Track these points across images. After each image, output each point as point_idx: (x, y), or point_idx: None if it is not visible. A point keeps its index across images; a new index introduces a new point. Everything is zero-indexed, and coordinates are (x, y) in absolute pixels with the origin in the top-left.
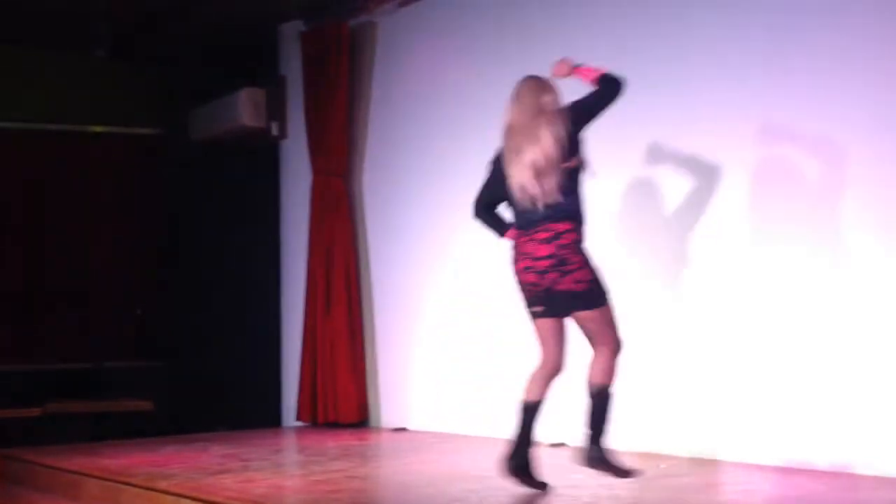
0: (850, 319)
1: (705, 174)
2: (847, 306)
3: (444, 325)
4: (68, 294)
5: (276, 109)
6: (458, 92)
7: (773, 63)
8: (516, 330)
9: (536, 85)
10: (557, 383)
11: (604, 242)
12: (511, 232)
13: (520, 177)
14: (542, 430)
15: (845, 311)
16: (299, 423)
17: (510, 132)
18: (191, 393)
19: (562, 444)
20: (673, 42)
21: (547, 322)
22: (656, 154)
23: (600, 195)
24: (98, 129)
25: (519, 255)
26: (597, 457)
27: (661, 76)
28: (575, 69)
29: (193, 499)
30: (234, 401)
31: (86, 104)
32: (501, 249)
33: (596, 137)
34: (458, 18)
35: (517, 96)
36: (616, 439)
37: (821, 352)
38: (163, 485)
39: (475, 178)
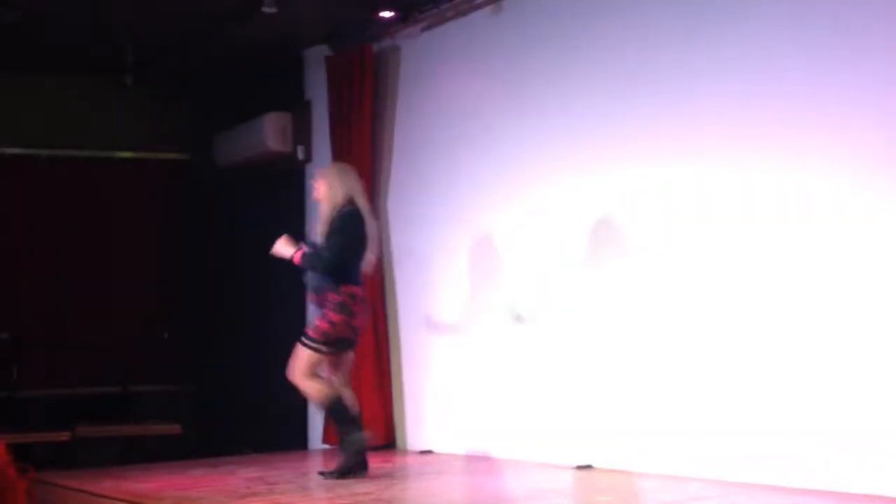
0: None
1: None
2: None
3: (471, 348)
4: (96, 319)
5: (302, 133)
6: (480, 115)
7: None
8: (544, 353)
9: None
10: (580, 406)
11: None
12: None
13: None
14: (568, 453)
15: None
16: (325, 446)
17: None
18: (218, 416)
19: (588, 467)
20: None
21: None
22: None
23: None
24: (125, 154)
25: (364, 305)
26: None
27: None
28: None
29: None
30: (261, 424)
31: (112, 130)
32: (529, 271)
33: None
34: (480, 42)
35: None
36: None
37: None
38: None
39: (498, 200)
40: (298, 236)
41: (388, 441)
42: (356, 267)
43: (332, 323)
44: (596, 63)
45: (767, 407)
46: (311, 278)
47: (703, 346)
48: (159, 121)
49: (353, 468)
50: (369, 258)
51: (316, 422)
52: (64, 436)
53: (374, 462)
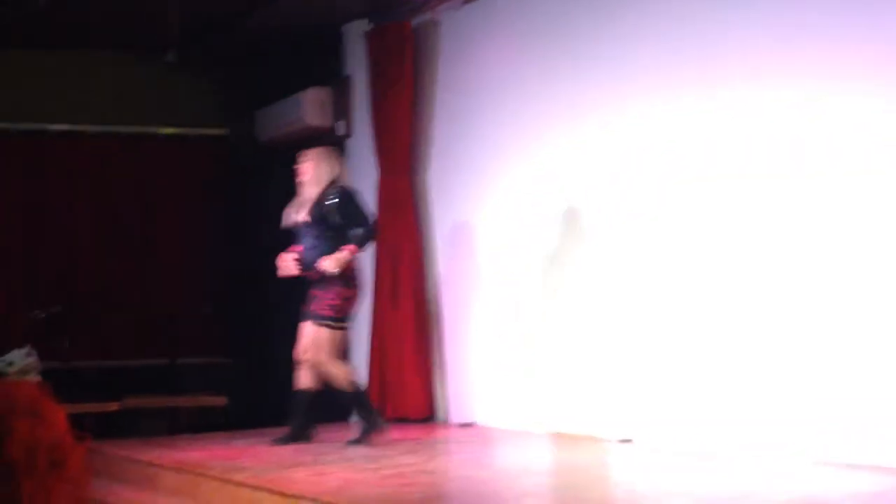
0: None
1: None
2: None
3: (512, 321)
4: (143, 292)
5: (342, 109)
6: (521, 88)
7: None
8: (584, 326)
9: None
10: (621, 380)
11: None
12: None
13: None
14: (609, 427)
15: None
16: None
17: None
18: (262, 388)
19: (629, 441)
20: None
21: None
22: None
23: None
24: (167, 130)
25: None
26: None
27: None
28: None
29: (269, 491)
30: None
31: (155, 106)
32: (572, 242)
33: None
34: (521, 14)
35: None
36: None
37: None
38: (238, 477)
39: (539, 172)
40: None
41: (430, 414)
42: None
43: (345, 298)
44: (640, 30)
45: (818, 384)
46: (311, 254)
47: (747, 324)
48: (201, 97)
49: (372, 431)
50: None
51: None
52: (113, 406)
53: (416, 434)
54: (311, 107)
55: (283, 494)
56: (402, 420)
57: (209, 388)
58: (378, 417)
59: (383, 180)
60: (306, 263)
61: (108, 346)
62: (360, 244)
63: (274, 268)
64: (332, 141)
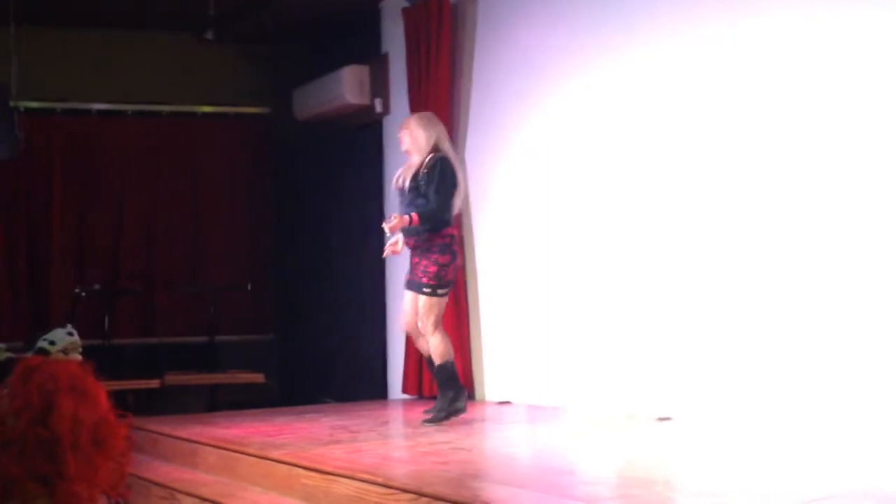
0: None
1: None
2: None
3: (549, 299)
4: (183, 270)
5: (380, 86)
6: (560, 63)
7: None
8: (620, 305)
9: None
10: (659, 358)
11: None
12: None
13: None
14: (648, 405)
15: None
16: (405, 396)
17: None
18: (300, 366)
19: (668, 419)
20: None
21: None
22: None
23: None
24: (206, 109)
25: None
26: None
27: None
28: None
29: (306, 468)
30: (342, 373)
31: (195, 85)
32: (604, 221)
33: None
34: None
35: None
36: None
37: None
38: (276, 454)
39: (579, 149)
40: (376, 189)
41: (466, 391)
42: (452, 209)
43: (441, 265)
44: (681, 4)
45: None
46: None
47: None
48: (240, 76)
49: (454, 408)
50: (457, 202)
51: (395, 372)
52: (154, 383)
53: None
54: (349, 84)
55: (319, 471)
56: None
57: (248, 365)
58: (463, 396)
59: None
60: (407, 230)
61: (150, 324)
62: (421, 218)
63: (313, 245)
64: (370, 119)
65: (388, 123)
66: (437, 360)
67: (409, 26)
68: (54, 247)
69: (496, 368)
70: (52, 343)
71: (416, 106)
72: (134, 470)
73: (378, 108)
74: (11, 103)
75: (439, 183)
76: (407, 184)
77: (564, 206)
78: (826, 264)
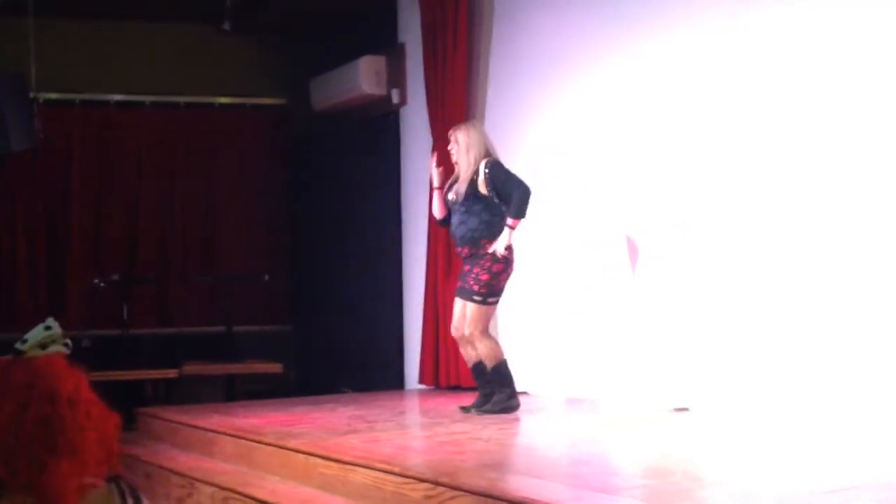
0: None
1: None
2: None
3: (566, 289)
4: (201, 261)
5: (396, 76)
6: (579, 52)
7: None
8: (639, 296)
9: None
10: (678, 349)
11: None
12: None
13: None
14: (666, 395)
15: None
16: (422, 387)
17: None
18: (317, 356)
19: (685, 409)
20: None
21: None
22: None
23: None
24: (224, 100)
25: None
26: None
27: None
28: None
29: (323, 457)
30: (359, 364)
31: (212, 76)
32: (623, 212)
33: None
34: None
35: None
36: None
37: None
38: (293, 443)
39: (598, 141)
40: (393, 179)
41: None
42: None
43: (493, 273)
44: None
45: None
46: (460, 229)
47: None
48: (257, 66)
49: (508, 406)
50: None
51: (412, 362)
52: (172, 373)
53: (471, 402)
54: (366, 75)
55: (337, 461)
56: (455, 388)
57: (265, 355)
58: (516, 395)
59: (438, 147)
60: (456, 239)
61: (167, 314)
62: (517, 213)
63: (329, 235)
64: (387, 109)
65: (405, 113)
66: (489, 364)
67: (425, 16)
68: (72, 237)
69: (512, 360)
70: (23, 342)
71: (433, 96)
72: (152, 458)
73: (395, 98)
74: (31, 94)
75: (507, 177)
76: (463, 190)
77: (585, 196)
78: (846, 255)
